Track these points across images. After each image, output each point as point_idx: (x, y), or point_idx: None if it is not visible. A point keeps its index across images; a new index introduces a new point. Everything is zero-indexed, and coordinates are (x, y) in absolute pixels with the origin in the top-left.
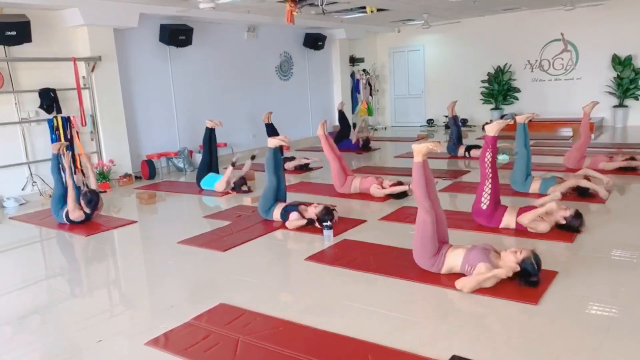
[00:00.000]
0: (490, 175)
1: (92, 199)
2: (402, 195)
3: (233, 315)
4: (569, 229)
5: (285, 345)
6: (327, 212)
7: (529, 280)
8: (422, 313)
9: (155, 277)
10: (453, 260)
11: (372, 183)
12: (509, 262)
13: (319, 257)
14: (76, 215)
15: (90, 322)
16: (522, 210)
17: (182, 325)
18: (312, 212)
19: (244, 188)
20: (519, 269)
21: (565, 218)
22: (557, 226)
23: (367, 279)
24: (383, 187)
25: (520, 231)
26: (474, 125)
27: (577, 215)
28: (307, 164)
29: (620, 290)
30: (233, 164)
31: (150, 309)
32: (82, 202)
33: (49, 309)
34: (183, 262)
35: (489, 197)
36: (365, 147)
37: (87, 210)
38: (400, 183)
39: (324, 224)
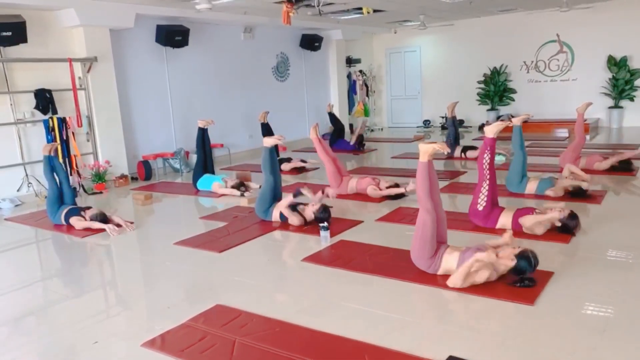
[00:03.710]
0: (488, 176)
1: (102, 220)
2: (399, 196)
3: (230, 316)
4: (565, 230)
5: (282, 346)
6: (324, 210)
7: (524, 279)
8: (418, 314)
9: (151, 278)
10: (450, 262)
11: (369, 184)
12: (506, 256)
13: (315, 258)
14: (78, 227)
15: (86, 324)
16: (519, 211)
17: (179, 326)
18: (309, 210)
19: (242, 189)
20: (515, 261)
21: (560, 220)
22: (557, 229)
23: (364, 280)
24: (380, 189)
25: (516, 232)
26: (470, 126)
27: (572, 216)
28: (304, 167)
29: (616, 291)
30: (240, 187)
31: (147, 310)
32: (93, 223)
33: (45, 310)
34: (179, 263)
35: (486, 199)
36: (359, 145)
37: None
38: (396, 185)
39: (320, 225)
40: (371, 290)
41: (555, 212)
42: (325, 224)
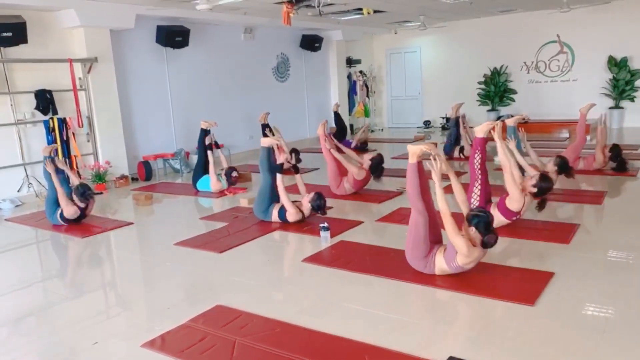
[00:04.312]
0: (480, 176)
1: (85, 191)
2: (380, 169)
3: (230, 316)
4: (542, 194)
5: (282, 346)
6: (319, 197)
7: (480, 222)
8: (419, 314)
9: (151, 279)
10: (443, 261)
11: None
12: (469, 230)
13: (316, 259)
14: (71, 211)
15: (86, 324)
16: (500, 200)
17: (179, 327)
18: (305, 202)
19: (234, 174)
20: (473, 227)
21: (534, 185)
22: (535, 196)
23: (364, 280)
24: (364, 169)
25: (512, 230)
26: (472, 127)
27: (543, 178)
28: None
29: (617, 291)
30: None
31: (147, 311)
32: (74, 197)
33: (45, 310)
34: (179, 264)
35: (478, 198)
36: (362, 148)
37: (81, 205)
38: (379, 155)
39: (321, 225)
40: (371, 291)
41: (528, 181)
42: (326, 224)
